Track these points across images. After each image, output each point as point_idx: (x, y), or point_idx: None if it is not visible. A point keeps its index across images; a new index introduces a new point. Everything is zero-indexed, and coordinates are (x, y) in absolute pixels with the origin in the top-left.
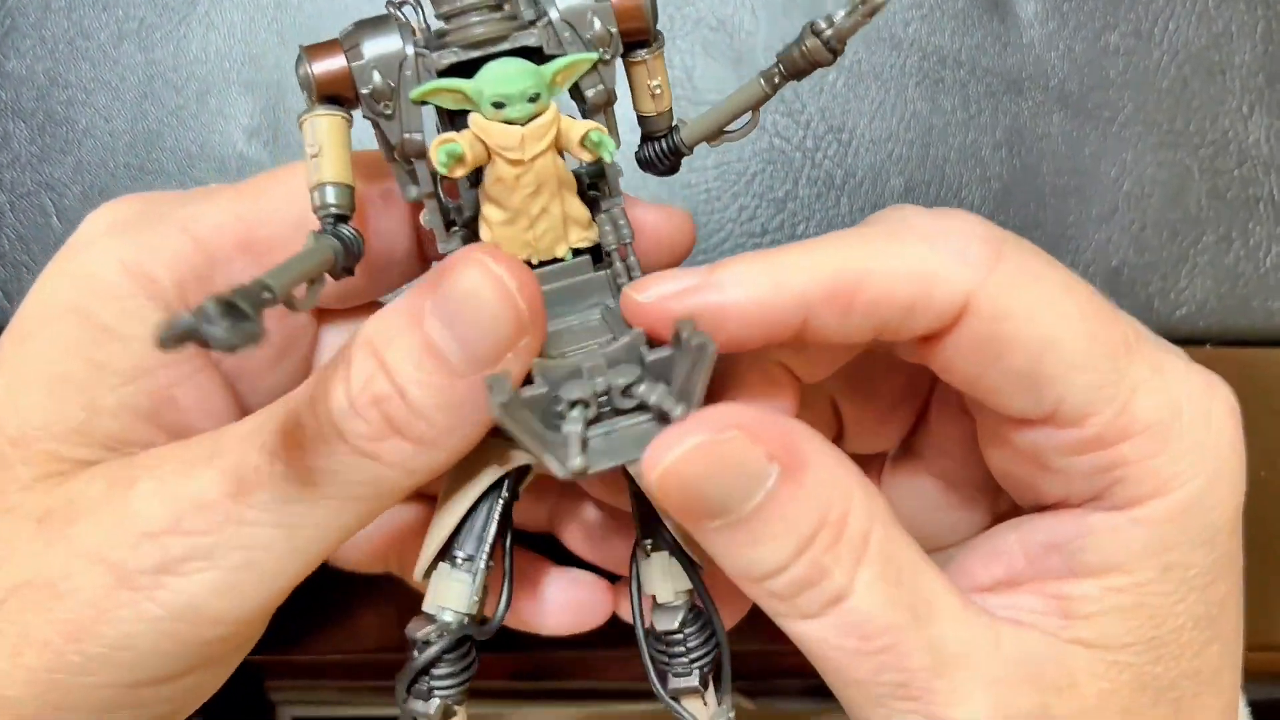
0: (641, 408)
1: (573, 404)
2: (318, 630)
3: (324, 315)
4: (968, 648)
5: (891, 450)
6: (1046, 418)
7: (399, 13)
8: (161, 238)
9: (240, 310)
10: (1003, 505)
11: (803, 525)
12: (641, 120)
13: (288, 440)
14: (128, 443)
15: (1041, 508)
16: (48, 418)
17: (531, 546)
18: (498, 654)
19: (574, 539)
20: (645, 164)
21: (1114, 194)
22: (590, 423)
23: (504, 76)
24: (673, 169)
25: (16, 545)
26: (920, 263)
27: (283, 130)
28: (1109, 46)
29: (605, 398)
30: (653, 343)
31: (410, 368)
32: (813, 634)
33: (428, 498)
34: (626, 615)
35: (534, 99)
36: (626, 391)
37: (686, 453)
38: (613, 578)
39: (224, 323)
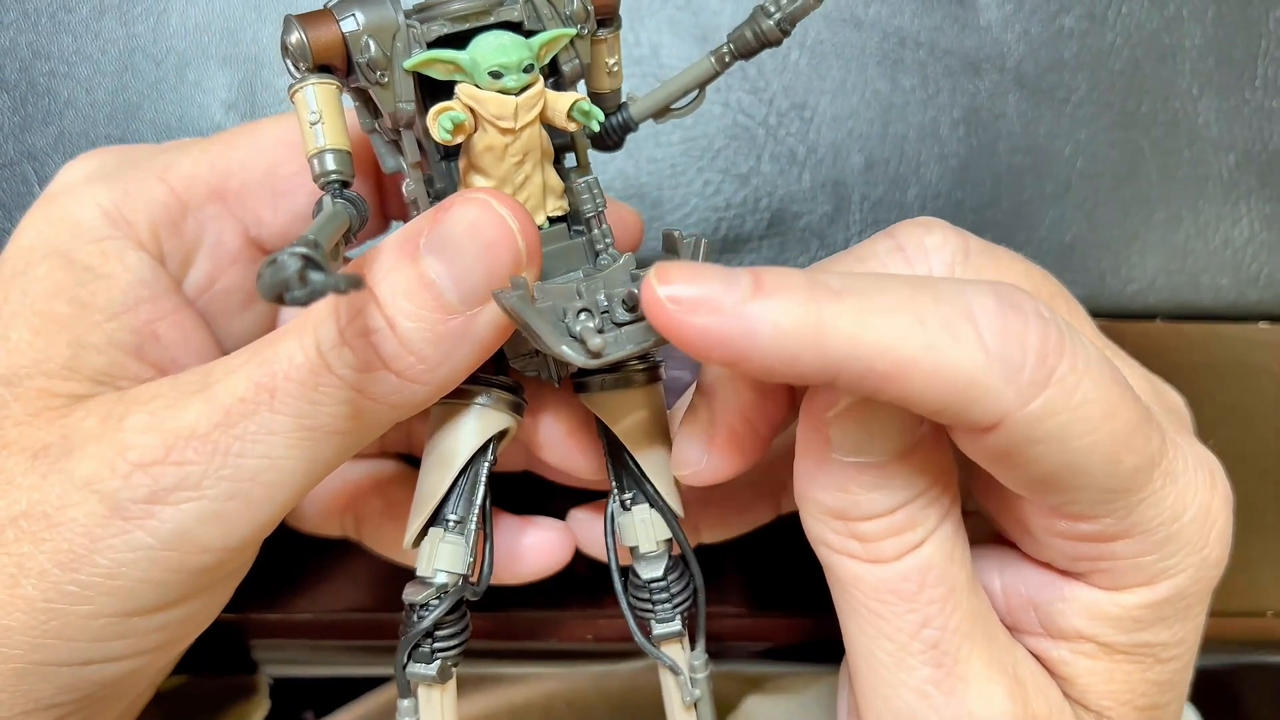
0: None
1: (578, 312)
2: (298, 591)
3: None
4: (998, 636)
5: None
6: (1049, 509)
7: None
8: (138, 184)
9: (315, 262)
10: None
11: (921, 482)
12: (594, 98)
13: (275, 373)
14: (116, 377)
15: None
16: (36, 356)
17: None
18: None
19: (548, 448)
20: (594, 139)
21: (1068, 172)
22: (599, 332)
23: (501, 47)
24: (619, 144)
25: (12, 479)
26: (967, 371)
27: (259, 103)
28: (1064, 29)
29: (606, 313)
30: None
31: (402, 301)
32: (876, 577)
33: (378, 457)
34: (590, 551)
35: (528, 69)
36: (625, 301)
37: (850, 408)
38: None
39: (322, 273)
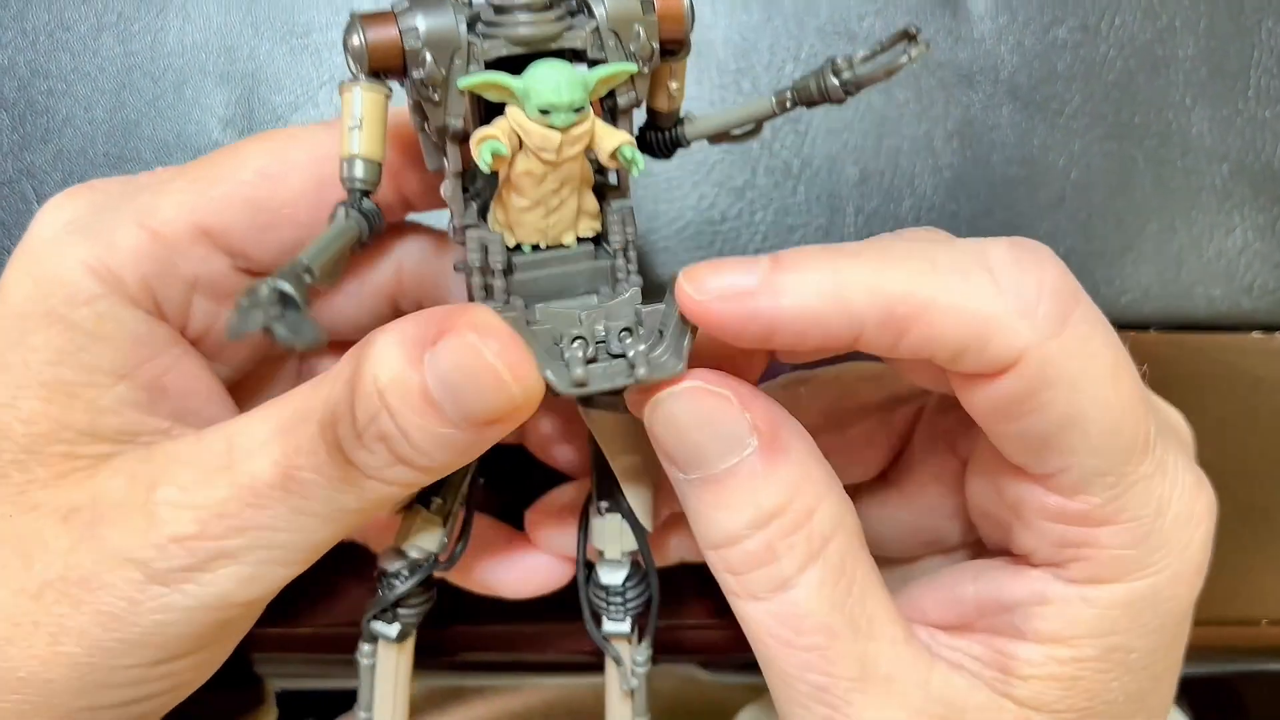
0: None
1: (572, 339)
2: (304, 604)
3: None
4: (897, 673)
5: (867, 478)
6: (1043, 478)
7: None
8: (119, 234)
9: (293, 300)
10: (968, 542)
11: (764, 502)
12: (651, 113)
13: (300, 464)
14: (135, 434)
15: (1005, 552)
16: (52, 425)
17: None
18: (453, 628)
19: (541, 448)
20: (644, 146)
21: (1062, 183)
22: (588, 362)
23: (554, 86)
24: (668, 155)
25: (44, 542)
26: (984, 308)
27: (256, 120)
28: (1057, 40)
29: (602, 342)
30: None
31: (411, 415)
32: (755, 616)
33: None
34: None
35: (579, 109)
36: (621, 337)
37: (681, 391)
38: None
39: (286, 321)
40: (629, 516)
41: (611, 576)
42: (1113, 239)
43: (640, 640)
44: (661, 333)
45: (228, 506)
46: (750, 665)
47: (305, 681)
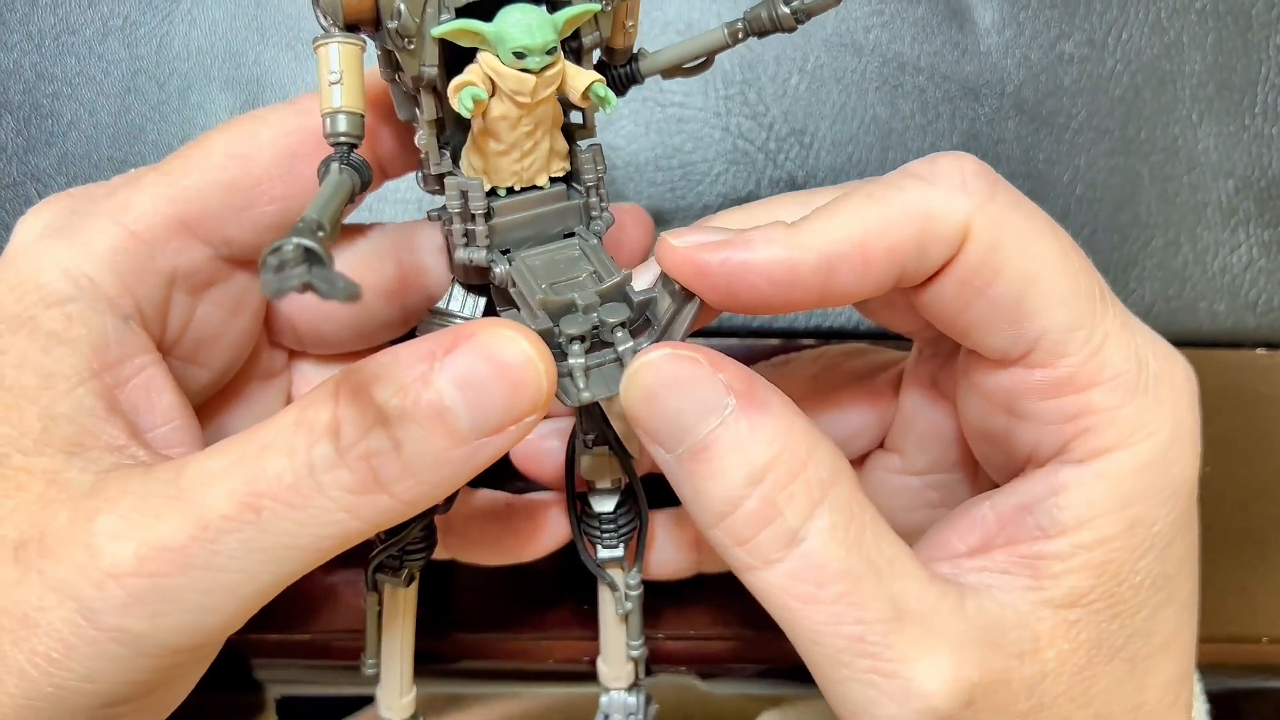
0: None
1: (572, 339)
2: (304, 611)
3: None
4: (932, 608)
5: (867, 451)
6: (1023, 356)
7: None
8: (96, 234)
9: (318, 255)
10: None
11: (755, 456)
12: (606, 51)
13: (260, 492)
14: (87, 447)
15: (1014, 477)
16: (10, 433)
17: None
18: (452, 636)
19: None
20: None
21: (1066, 198)
22: (586, 353)
23: (528, 29)
24: (623, 92)
25: None
26: (923, 201)
27: None
28: (1064, 55)
29: (596, 330)
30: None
31: (413, 425)
32: (772, 582)
33: None
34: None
35: (551, 51)
36: (614, 330)
37: (651, 360)
38: None
39: (318, 277)
40: (615, 446)
41: (603, 504)
42: (1117, 254)
43: (632, 566)
44: (649, 320)
45: (173, 538)
46: (748, 676)
47: (305, 688)
